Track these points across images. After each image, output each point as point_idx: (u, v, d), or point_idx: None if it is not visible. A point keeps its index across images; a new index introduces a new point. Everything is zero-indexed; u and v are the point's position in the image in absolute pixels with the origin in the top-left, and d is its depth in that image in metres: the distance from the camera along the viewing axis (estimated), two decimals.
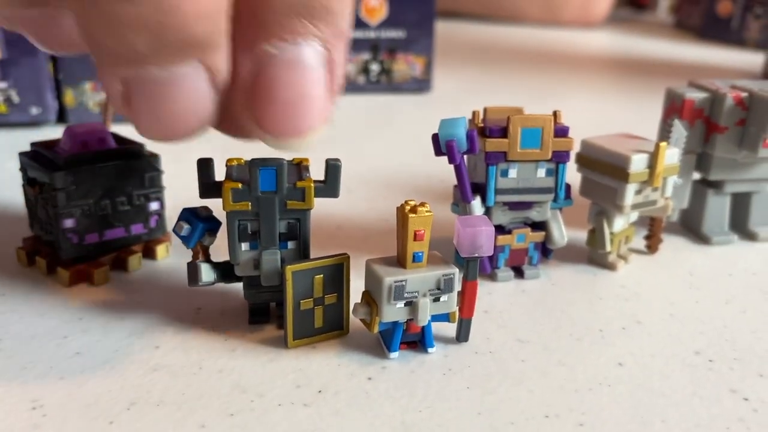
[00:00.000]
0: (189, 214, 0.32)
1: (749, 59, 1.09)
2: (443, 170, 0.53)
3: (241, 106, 0.24)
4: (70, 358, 0.31)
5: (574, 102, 0.79)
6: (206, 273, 0.32)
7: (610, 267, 0.39)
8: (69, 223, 0.35)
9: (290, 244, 0.32)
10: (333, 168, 0.32)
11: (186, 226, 0.32)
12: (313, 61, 0.24)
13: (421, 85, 0.76)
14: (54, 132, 0.60)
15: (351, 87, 0.75)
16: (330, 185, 0.32)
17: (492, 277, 0.38)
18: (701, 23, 1.25)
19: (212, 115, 0.24)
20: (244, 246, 0.32)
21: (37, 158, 0.36)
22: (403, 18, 0.73)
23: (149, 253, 0.38)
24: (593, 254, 0.40)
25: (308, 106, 0.24)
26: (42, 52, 0.58)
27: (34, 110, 0.60)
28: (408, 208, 0.29)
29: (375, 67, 0.75)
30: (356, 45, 0.73)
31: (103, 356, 0.31)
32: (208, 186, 0.31)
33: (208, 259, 0.33)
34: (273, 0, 0.23)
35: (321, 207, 0.33)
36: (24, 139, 0.58)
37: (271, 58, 0.23)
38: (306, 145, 0.25)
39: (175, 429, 0.26)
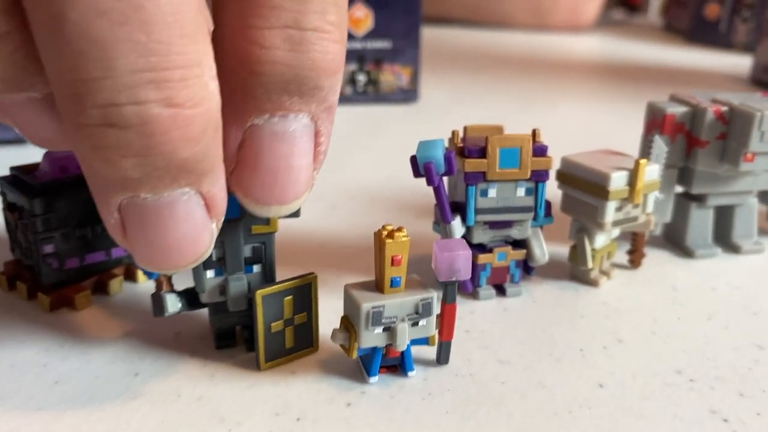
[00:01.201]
0: None
1: (737, 62, 1.09)
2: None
3: (227, 173, 0.25)
4: (50, 387, 0.30)
5: (562, 109, 0.79)
6: (172, 303, 0.32)
7: (592, 283, 0.39)
8: (49, 248, 0.35)
9: (255, 268, 0.32)
10: None
11: None
12: (299, 133, 0.24)
13: (407, 95, 0.76)
14: (38, 152, 0.60)
15: (338, 99, 0.75)
16: None
17: (474, 295, 0.38)
18: (689, 26, 1.25)
19: (211, 245, 0.25)
20: (210, 273, 0.31)
21: (16, 183, 0.36)
22: (389, 29, 0.73)
23: (130, 275, 0.38)
24: (575, 270, 0.40)
25: (293, 175, 0.25)
26: None
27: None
28: (385, 233, 0.29)
29: (361, 78, 0.75)
30: None
31: (83, 385, 0.31)
32: None
33: (172, 289, 0.33)
34: (264, 77, 0.23)
35: (304, 224, 0.33)
36: (5, 158, 0.58)
37: (258, 129, 0.24)
38: (287, 212, 0.26)
39: None
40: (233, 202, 0.30)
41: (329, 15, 0.23)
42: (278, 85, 0.23)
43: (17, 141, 0.62)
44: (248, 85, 0.23)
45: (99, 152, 0.21)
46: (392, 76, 0.75)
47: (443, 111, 0.76)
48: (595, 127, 0.72)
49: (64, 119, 0.21)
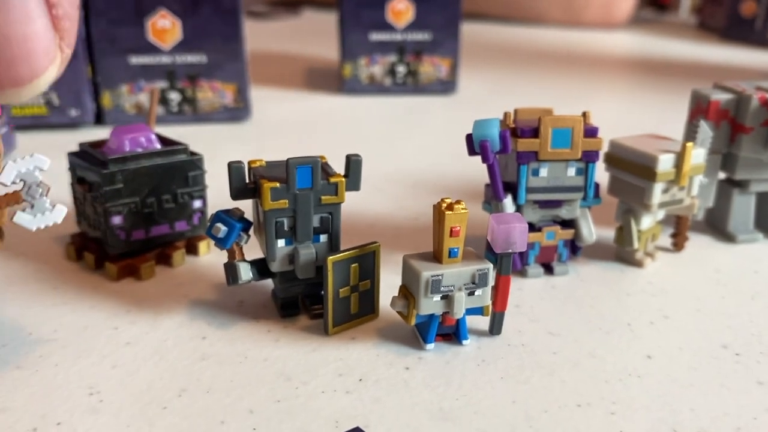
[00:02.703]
0: (223, 216, 0.33)
1: None
2: (471, 169, 0.54)
3: None
4: (122, 347, 0.32)
5: (597, 103, 0.80)
6: (245, 272, 0.34)
7: (638, 264, 0.40)
8: (117, 220, 0.37)
9: (322, 238, 0.34)
10: (354, 163, 0.33)
11: (223, 228, 0.33)
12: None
13: (446, 86, 0.77)
14: (92, 133, 0.62)
15: (377, 89, 0.76)
16: (352, 179, 0.33)
17: (522, 273, 0.39)
18: (725, 24, 1.25)
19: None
20: (280, 242, 0.33)
21: (85, 158, 0.38)
22: (429, 21, 0.74)
23: (192, 250, 0.40)
24: (621, 251, 0.41)
25: (21, 50, 0.21)
26: (81, 55, 0.60)
27: (73, 112, 0.62)
28: (444, 205, 0.31)
29: (401, 69, 0.76)
30: (383, 47, 0.75)
31: (153, 346, 0.32)
32: (240, 189, 0.33)
33: (244, 258, 0.34)
34: None
35: (354, 206, 0.34)
36: (63, 140, 0.60)
37: None
38: (34, 93, 0.22)
39: (225, 414, 0.28)
40: (306, 173, 0.32)
41: None
42: None
43: (72, 125, 0.64)
44: None
45: None
46: (432, 67, 0.76)
47: (480, 102, 0.77)
48: (632, 120, 0.73)
49: None
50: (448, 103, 0.76)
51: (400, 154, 0.60)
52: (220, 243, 0.33)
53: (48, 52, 0.22)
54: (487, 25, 1.23)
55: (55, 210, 0.28)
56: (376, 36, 0.75)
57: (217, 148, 0.43)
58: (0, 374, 0.30)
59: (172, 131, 0.41)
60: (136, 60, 0.63)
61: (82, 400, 0.29)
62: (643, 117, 0.74)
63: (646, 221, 0.40)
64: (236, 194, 0.33)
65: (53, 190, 0.29)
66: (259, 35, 0.96)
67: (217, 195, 0.41)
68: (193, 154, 0.39)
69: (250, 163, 0.34)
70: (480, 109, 0.74)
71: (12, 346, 0.32)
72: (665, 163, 0.38)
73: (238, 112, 0.67)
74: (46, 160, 0.28)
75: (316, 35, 1.12)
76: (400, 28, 0.74)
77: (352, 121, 0.70)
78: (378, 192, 0.51)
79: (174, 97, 0.65)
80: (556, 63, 1.00)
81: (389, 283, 0.35)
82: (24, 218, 0.28)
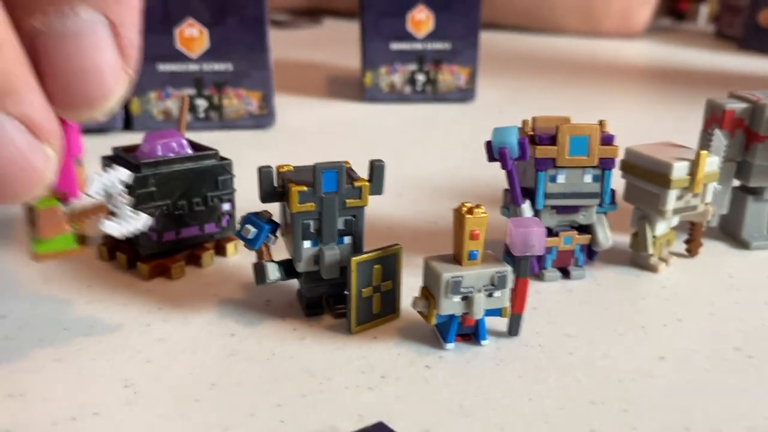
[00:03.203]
0: (253, 218, 0.35)
1: None
2: (488, 175, 0.55)
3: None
4: (155, 343, 0.34)
5: (614, 111, 0.81)
6: (273, 272, 0.35)
7: (652, 269, 0.41)
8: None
9: (346, 239, 0.35)
10: (378, 168, 0.35)
11: (252, 230, 0.35)
12: (85, 29, 0.23)
13: (465, 94, 0.79)
14: (121, 138, 0.64)
15: (397, 97, 0.78)
16: (375, 183, 0.35)
17: (540, 276, 0.40)
18: (742, 33, 1.25)
19: (47, 169, 0.24)
20: (306, 244, 0.34)
21: (119, 162, 0.39)
22: (448, 31, 0.76)
23: (220, 251, 0.41)
24: (636, 257, 0.42)
25: (92, 75, 0.23)
26: None
27: (102, 117, 0.64)
28: (465, 209, 0.32)
29: (421, 78, 0.77)
30: (403, 56, 0.76)
31: (184, 342, 0.34)
32: (269, 192, 0.34)
33: (272, 259, 0.36)
34: None
35: (373, 209, 0.35)
36: (94, 144, 0.62)
37: (39, 34, 0.23)
38: (104, 113, 0.25)
39: (254, 407, 0.29)
40: (332, 177, 0.33)
41: None
42: None
43: (101, 130, 0.66)
44: None
45: None
46: (451, 76, 0.77)
47: (499, 110, 0.78)
48: (648, 128, 0.73)
49: None
50: (467, 110, 0.78)
51: (418, 160, 0.62)
52: (250, 244, 0.34)
53: (116, 76, 0.24)
54: (505, 35, 1.24)
55: (139, 218, 0.30)
56: (396, 45, 0.76)
57: (243, 154, 0.45)
58: (40, 366, 0.32)
59: (199, 137, 0.43)
60: (164, 67, 0.65)
61: (118, 392, 0.30)
62: (658, 125, 0.75)
63: (661, 227, 0.41)
64: (265, 197, 0.34)
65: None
66: (282, 44, 0.97)
67: (244, 198, 0.42)
68: (222, 159, 0.40)
69: (278, 167, 0.35)
70: (498, 116, 0.75)
71: (50, 340, 0.34)
72: (680, 170, 0.39)
73: (262, 118, 0.68)
74: (127, 173, 0.30)
75: (337, 44, 1.14)
76: (420, 37, 0.76)
77: (373, 128, 0.71)
78: (397, 196, 0.52)
79: (201, 103, 0.67)
80: (574, 72, 1.01)
81: (408, 285, 0.36)
82: (111, 227, 0.31)
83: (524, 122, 0.39)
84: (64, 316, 0.35)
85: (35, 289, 0.38)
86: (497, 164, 0.37)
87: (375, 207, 0.35)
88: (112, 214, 0.30)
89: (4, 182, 0.23)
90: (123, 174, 0.30)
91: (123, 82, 0.25)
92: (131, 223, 0.30)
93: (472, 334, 0.34)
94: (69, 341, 0.34)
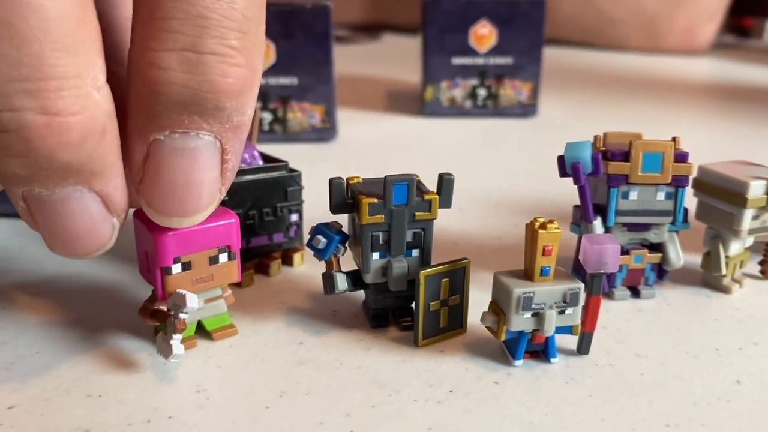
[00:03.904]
0: (323, 229, 0.35)
1: None
2: (552, 191, 0.55)
3: (135, 183, 0.26)
4: (225, 350, 0.34)
5: (679, 129, 0.79)
6: (341, 282, 0.35)
7: (725, 290, 0.40)
8: None
9: (414, 252, 0.35)
10: (447, 182, 0.35)
11: (322, 240, 0.35)
12: (201, 150, 0.25)
13: (526, 109, 0.78)
14: None
15: (458, 111, 0.78)
16: (444, 197, 0.35)
17: (609, 295, 0.39)
18: None
19: (112, 236, 0.27)
20: (375, 255, 0.35)
21: None
22: (511, 46, 0.75)
23: (287, 260, 0.42)
24: (708, 277, 0.41)
25: (193, 190, 0.26)
26: None
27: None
28: (537, 224, 0.32)
29: (482, 92, 0.77)
30: (464, 71, 0.76)
31: (254, 349, 0.34)
32: (339, 203, 0.35)
33: (340, 269, 0.36)
34: (162, 96, 0.24)
35: (437, 224, 0.35)
36: None
37: (160, 144, 0.25)
38: (191, 224, 0.27)
39: (323, 416, 0.29)
40: (402, 190, 0.33)
41: (230, 40, 0.25)
42: (176, 104, 0.24)
43: None
44: (149, 103, 0.24)
45: None
46: (512, 90, 0.77)
47: (561, 126, 0.77)
48: (714, 146, 0.72)
49: None
50: (528, 125, 0.77)
51: (480, 174, 0.61)
52: (319, 254, 0.35)
53: (212, 195, 0.27)
54: (568, 50, 1.23)
55: (177, 345, 0.31)
56: (458, 60, 0.76)
57: (306, 166, 0.45)
58: (116, 368, 0.32)
59: (263, 149, 0.44)
60: None
61: (190, 397, 0.31)
62: (727, 143, 0.73)
63: (735, 247, 0.40)
64: (335, 208, 0.35)
65: None
66: (342, 59, 0.98)
67: (309, 209, 0.43)
68: (292, 170, 0.41)
69: (348, 179, 0.35)
70: (560, 132, 0.75)
71: (121, 345, 0.34)
72: (756, 189, 0.38)
73: (325, 132, 0.69)
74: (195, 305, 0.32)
75: (396, 59, 1.14)
76: (483, 52, 0.76)
77: (433, 142, 0.71)
78: (460, 211, 0.52)
79: (266, 117, 0.68)
80: (636, 88, 0.99)
81: (473, 300, 0.36)
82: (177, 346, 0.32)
83: (596, 138, 0.39)
84: (135, 323, 0.36)
85: (109, 293, 0.39)
86: (561, 181, 0.37)
87: (439, 221, 0.35)
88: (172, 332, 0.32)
89: (75, 241, 0.26)
90: (192, 302, 0.31)
91: (216, 202, 0.27)
92: (172, 344, 0.31)
93: (541, 351, 0.34)
94: (143, 346, 0.34)
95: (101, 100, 0.24)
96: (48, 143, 0.23)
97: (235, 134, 0.26)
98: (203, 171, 0.26)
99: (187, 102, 0.24)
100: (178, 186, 0.26)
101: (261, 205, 0.40)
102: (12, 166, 0.24)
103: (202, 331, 0.35)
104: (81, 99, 0.23)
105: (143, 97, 0.25)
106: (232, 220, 0.32)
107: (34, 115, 0.22)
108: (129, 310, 0.37)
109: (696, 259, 0.42)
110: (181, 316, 0.31)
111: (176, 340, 0.31)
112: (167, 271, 0.32)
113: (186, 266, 0.32)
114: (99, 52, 0.24)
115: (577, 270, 0.40)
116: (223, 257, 0.33)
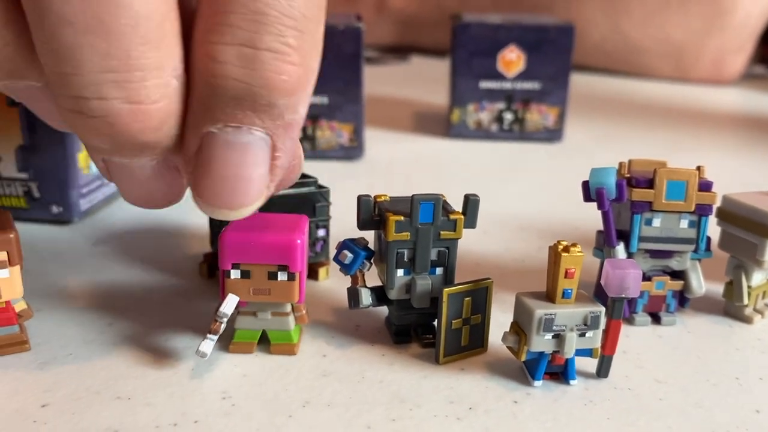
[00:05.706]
0: (350, 244, 0.36)
1: None
2: (576, 217, 0.55)
3: (187, 173, 0.27)
4: (251, 359, 0.35)
5: (704, 158, 0.79)
6: (366, 297, 0.36)
7: (747, 320, 0.40)
8: None
9: (438, 270, 0.36)
10: (473, 202, 0.35)
11: (349, 255, 0.36)
12: (252, 145, 0.26)
13: (552, 134, 0.79)
14: None
15: (484, 134, 0.79)
16: (470, 217, 0.36)
17: (630, 321, 0.40)
18: None
19: (182, 194, 0.29)
20: (399, 272, 0.35)
21: None
22: (539, 71, 0.76)
23: (312, 275, 0.43)
24: (729, 306, 0.41)
25: (242, 185, 0.26)
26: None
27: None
28: (561, 247, 0.32)
29: (509, 116, 0.78)
30: (491, 95, 0.77)
31: (278, 360, 0.35)
32: (367, 220, 0.36)
33: (365, 285, 0.37)
34: (218, 89, 0.25)
35: (460, 245, 0.36)
36: None
37: (213, 137, 0.26)
38: (237, 217, 0.28)
39: (345, 428, 0.30)
40: (428, 209, 0.34)
41: (288, 38, 0.25)
42: (231, 98, 0.25)
43: None
44: (205, 95, 0.25)
45: (76, 129, 0.25)
46: (539, 115, 0.78)
47: (586, 152, 0.78)
48: (740, 176, 0.72)
49: (54, 101, 0.25)
50: (554, 150, 0.78)
51: (505, 198, 0.62)
52: (345, 269, 0.36)
53: (260, 191, 0.27)
54: (594, 77, 1.24)
55: (205, 343, 0.34)
56: (485, 84, 0.77)
57: (332, 183, 0.46)
58: (145, 373, 0.33)
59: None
60: None
61: (216, 404, 0.31)
62: (754, 174, 0.73)
63: (757, 278, 0.40)
64: (363, 225, 0.35)
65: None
66: (371, 79, 1.00)
67: (335, 225, 0.44)
68: (320, 187, 0.42)
69: (375, 197, 0.36)
70: (585, 158, 0.75)
71: (153, 350, 0.35)
72: None
73: (352, 150, 0.70)
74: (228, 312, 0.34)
75: (424, 81, 1.16)
76: (510, 77, 0.77)
77: (458, 164, 0.72)
78: (483, 234, 0.53)
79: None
80: (664, 116, 0.99)
81: (495, 320, 0.37)
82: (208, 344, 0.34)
83: (621, 164, 0.39)
84: (165, 327, 0.37)
85: (139, 301, 0.40)
86: (585, 206, 0.37)
87: (462, 242, 0.36)
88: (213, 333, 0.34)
89: (148, 199, 0.29)
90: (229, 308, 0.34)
91: (263, 198, 0.28)
92: (205, 344, 0.33)
93: (560, 373, 0.34)
94: (171, 352, 0.35)
95: (178, 86, 0.25)
96: (131, 128, 0.25)
97: (287, 132, 0.27)
98: (252, 166, 0.26)
99: (241, 96, 0.25)
100: (227, 179, 0.26)
101: None
102: (96, 142, 0.26)
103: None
104: (161, 88, 0.25)
105: (200, 89, 0.25)
106: (297, 241, 0.33)
107: (120, 104, 0.24)
108: (159, 317, 0.38)
109: (718, 288, 0.42)
110: (218, 319, 0.33)
111: (208, 339, 0.33)
112: (227, 274, 0.33)
113: (245, 274, 0.34)
114: (179, 43, 0.26)
115: (599, 294, 0.41)
116: (282, 275, 0.34)
